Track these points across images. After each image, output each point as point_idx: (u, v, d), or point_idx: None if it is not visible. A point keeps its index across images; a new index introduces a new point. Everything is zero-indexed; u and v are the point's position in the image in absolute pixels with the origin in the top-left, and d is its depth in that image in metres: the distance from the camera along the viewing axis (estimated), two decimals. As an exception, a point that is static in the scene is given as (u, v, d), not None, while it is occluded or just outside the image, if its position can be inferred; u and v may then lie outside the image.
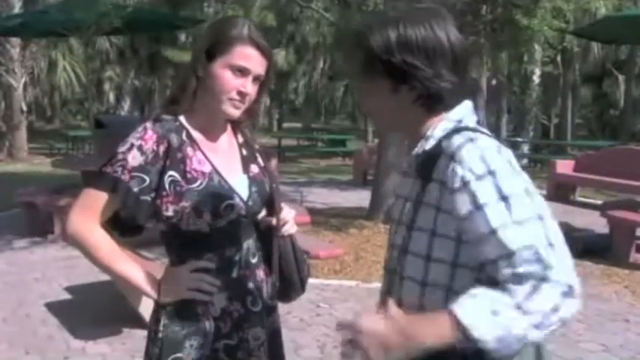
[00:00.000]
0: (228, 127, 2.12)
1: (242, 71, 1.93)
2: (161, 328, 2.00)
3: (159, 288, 1.98)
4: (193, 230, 1.95)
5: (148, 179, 1.89)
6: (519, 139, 22.55)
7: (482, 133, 1.57)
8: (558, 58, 22.90)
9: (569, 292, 1.37)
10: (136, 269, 1.99)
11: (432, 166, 1.55)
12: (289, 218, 2.14)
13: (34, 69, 23.58)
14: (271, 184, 2.12)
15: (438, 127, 1.60)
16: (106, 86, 33.35)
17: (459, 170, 1.48)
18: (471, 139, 1.52)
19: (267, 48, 1.97)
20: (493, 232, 1.42)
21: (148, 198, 1.91)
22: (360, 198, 10.40)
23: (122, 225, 1.99)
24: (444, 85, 1.56)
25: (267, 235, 2.11)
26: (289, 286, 2.21)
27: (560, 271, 1.38)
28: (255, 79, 1.96)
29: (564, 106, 25.07)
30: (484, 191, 1.44)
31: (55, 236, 7.80)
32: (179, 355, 1.98)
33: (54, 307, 5.61)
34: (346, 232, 8.37)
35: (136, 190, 1.88)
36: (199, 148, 1.98)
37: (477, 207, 1.45)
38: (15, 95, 19.28)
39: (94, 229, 1.93)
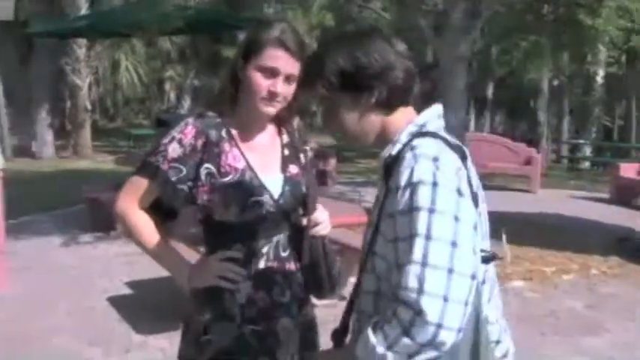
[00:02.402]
0: (271, 127, 2.21)
1: (272, 72, 2.02)
2: (193, 312, 2.15)
3: (189, 273, 2.12)
4: (223, 221, 2.08)
5: (185, 170, 2.06)
6: (581, 141, 22.11)
7: (437, 138, 1.58)
8: (623, 59, 22.33)
9: (434, 337, 1.38)
10: (171, 252, 2.17)
11: (393, 170, 1.58)
12: (322, 220, 2.19)
13: (99, 69, 24.13)
14: (307, 184, 2.19)
15: (405, 131, 1.63)
16: (167, 86, 33.95)
17: (397, 177, 1.52)
18: (412, 147, 1.54)
19: (297, 49, 2.04)
20: (398, 240, 1.48)
21: (185, 187, 2.07)
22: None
23: (163, 211, 2.16)
24: (395, 80, 1.61)
25: (300, 233, 2.17)
26: (319, 286, 2.26)
27: (435, 314, 1.38)
28: (288, 78, 2.04)
29: (628, 108, 24.43)
30: (401, 201, 1.48)
31: (118, 232, 7.97)
32: (207, 337, 2.10)
33: (116, 302, 5.75)
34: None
35: (173, 179, 2.05)
36: (236, 145, 2.11)
37: (391, 215, 1.50)
38: (80, 94, 19.77)
39: (135, 211, 2.13)
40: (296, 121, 2.30)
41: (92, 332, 5.07)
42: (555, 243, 7.79)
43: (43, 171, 15.84)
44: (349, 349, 1.61)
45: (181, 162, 2.06)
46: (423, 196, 1.44)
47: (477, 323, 1.52)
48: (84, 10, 18.12)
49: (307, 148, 2.28)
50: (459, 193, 1.47)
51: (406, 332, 1.40)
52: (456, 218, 1.44)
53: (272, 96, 2.03)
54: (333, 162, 11.82)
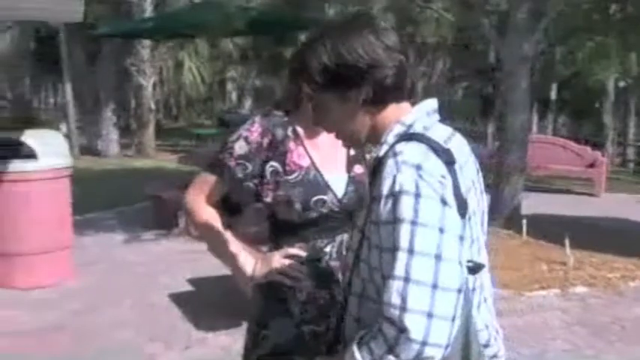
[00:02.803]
0: None
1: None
2: (253, 306, 2.19)
3: (252, 269, 2.15)
4: (286, 219, 2.11)
5: (250, 167, 2.10)
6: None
7: (423, 142, 1.49)
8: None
9: (420, 354, 1.33)
10: (236, 246, 2.20)
11: (376, 175, 1.51)
12: None
13: (162, 69, 24.55)
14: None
15: (393, 132, 1.55)
16: (229, 86, 34.33)
17: (379, 184, 1.45)
18: (395, 153, 1.46)
19: None
20: (381, 250, 1.43)
21: (251, 184, 2.12)
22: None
23: (229, 207, 2.24)
24: (382, 77, 1.53)
25: None
26: None
27: (419, 332, 1.32)
28: None
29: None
30: (384, 211, 1.41)
31: (180, 230, 8.11)
32: (266, 332, 2.14)
33: (177, 298, 5.85)
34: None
35: (239, 175, 2.11)
36: (302, 144, 2.13)
37: (375, 223, 1.44)
38: (145, 94, 20.17)
39: (202, 205, 2.20)
40: None
41: (154, 327, 5.17)
42: (620, 248, 7.59)
43: (107, 169, 16.23)
44: None
45: (247, 159, 2.11)
46: (406, 208, 1.37)
47: (467, 332, 1.47)
48: (149, 12, 18.49)
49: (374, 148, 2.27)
50: (444, 202, 1.39)
51: (391, 350, 1.35)
52: (441, 230, 1.37)
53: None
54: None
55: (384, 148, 1.53)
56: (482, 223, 1.66)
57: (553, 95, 26.38)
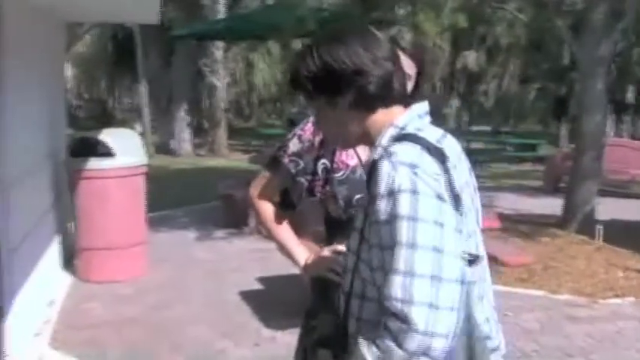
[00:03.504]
0: None
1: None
2: (307, 299, 2.37)
3: (305, 263, 2.28)
4: (336, 216, 2.24)
5: (302, 163, 2.25)
6: None
7: (416, 142, 1.53)
8: None
9: (425, 345, 1.38)
10: (293, 240, 2.33)
11: (372, 176, 1.53)
12: None
13: (235, 70, 24.91)
14: None
15: (386, 134, 1.60)
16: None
17: (376, 184, 1.48)
18: (390, 154, 1.49)
19: (408, 50, 2.18)
20: (382, 248, 1.46)
21: (304, 180, 2.25)
22: (551, 205, 10.02)
23: (289, 203, 2.36)
24: (366, 85, 1.58)
25: None
26: None
27: (422, 323, 1.37)
28: None
29: None
30: (383, 210, 1.45)
31: (251, 229, 8.22)
32: (314, 323, 2.26)
33: (247, 296, 5.93)
34: (535, 240, 8.11)
35: (292, 171, 2.26)
36: None
37: (374, 222, 1.48)
38: (217, 95, 20.49)
39: (261, 201, 2.37)
40: None
41: (224, 324, 5.25)
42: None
43: (180, 168, 16.56)
44: None
45: (299, 156, 2.26)
46: (404, 205, 1.42)
47: (469, 324, 1.50)
48: (222, 14, 18.77)
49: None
50: (440, 198, 1.45)
51: (396, 342, 1.39)
52: (439, 224, 1.43)
53: None
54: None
55: (379, 150, 1.58)
56: (477, 221, 1.69)
57: (630, 98, 25.60)
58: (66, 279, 6.35)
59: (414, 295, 1.38)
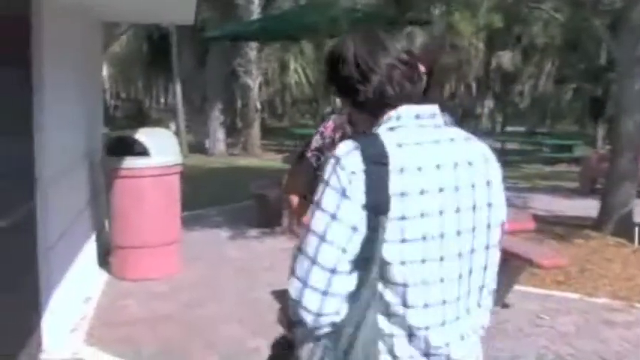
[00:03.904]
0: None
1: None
2: None
3: None
4: None
5: (322, 158, 2.47)
6: None
7: (357, 140, 1.60)
8: None
9: (296, 313, 1.57)
10: None
11: None
12: None
13: (268, 70, 25.00)
14: None
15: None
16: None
17: None
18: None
19: (420, 51, 2.18)
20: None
21: None
22: (587, 207, 9.89)
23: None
24: (366, 91, 1.66)
25: None
26: None
27: (295, 294, 1.56)
28: None
29: None
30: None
31: (283, 228, 8.24)
32: None
33: (280, 295, 5.94)
34: (571, 242, 8.02)
35: (314, 164, 2.48)
36: None
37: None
38: (251, 95, 20.59)
39: (290, 192, 2.63)
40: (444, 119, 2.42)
41: (257, 323, 5.27)
42: None
43: (214, 167, 16.67)
44: None
45: (320, 151, 2.50)
46: (318, 193, 1.58)
47: (358, 326, 1.55)
48: (256, 15, 18.85)
49: None
50: (343, 194, 1.54)
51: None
52: (333, 217, 1.54)
53: None
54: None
55: None
56: (459, 228, 1.63)
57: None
58: (102, 276, 6.44)
59: (295, 269, 1.57)
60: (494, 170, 1.72)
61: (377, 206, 1.53)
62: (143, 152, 6.27)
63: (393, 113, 1.65)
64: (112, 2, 6.08)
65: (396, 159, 1.56)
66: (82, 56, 6.27)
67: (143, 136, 6.42)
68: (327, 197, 1.56)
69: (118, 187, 6.30)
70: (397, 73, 1.67)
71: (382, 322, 1.58)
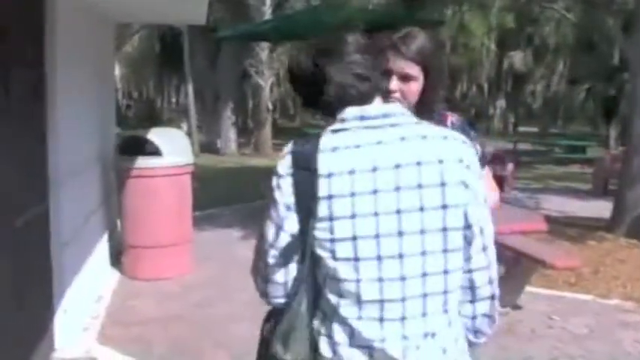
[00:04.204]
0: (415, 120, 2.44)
1: (387, 73, 2.21)
2: None
3: None
4: None
5: None
6: None
7: (293, 143, 1.75)
8: None
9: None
10: None
11: None
12: None
13: (280, 70, 25.03)
14: None
15: None
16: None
17: None
18: None
19: (412, 53, 2.31)
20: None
21: None
22: (600, 208, 9.85)
23: None
24: (326, 92, 1.72)
25: None
26: None
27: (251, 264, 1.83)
28: (403, 78, 2.32)
29: None
30: None
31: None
32: None
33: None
34: (584, 244, 7.99)
35: None
36: None
37: None
38: (262, 95, 20.64)
39: None
40: (451, 120, 2.48)
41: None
42: None
43: (226, 167, 16.71)
44: None
45: None
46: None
47: (299, 309, 1.68)
48: (267, 15, 18.88)
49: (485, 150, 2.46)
50: (274, 197, 1.70)
51: None
52: (268, 216, 1.71)
53: (389, 93, 2.25)
54: (510, 167, 11.53)
55: None
56: (401, 228, 1.64)
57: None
58: (114, 275, 6.47)
59: (254, 254, 1.80)
60: (453, 171, 1.65)
61: (303, 208, 1.64)
62: (155, 152, 6.29)
63: (339, 116, 1.70)
64: (126, 3, 6.11)
65: (325, 163, 1.62)
66: (95, 56, 6.30)
67: (155, 136, 6.44)
68: (270, 197, 1.71)
69: (130, 186, 6.32)
70: (347, 77, 1.69)
71: (324, 307, 1.67)
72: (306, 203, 1.63)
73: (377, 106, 1.71)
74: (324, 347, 1.68)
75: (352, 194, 1.60)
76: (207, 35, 18.98)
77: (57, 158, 4.47)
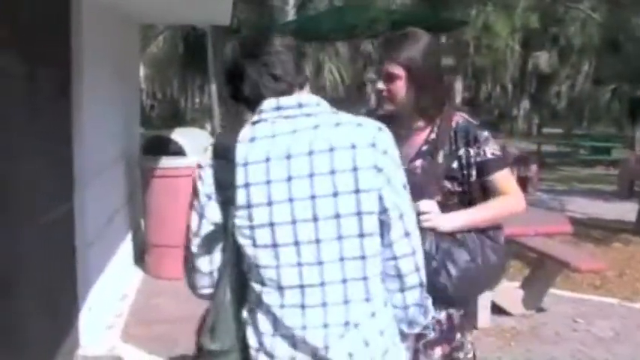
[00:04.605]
0: (422, 123, 2.47)
1: (377, 74, 2.43)
2: None
3: None
4: None
5: None
6: None
7: (218, 140, 1.86)
8: None
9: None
10: None
11: None
12: (420, 209, 2.27)
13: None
14: (420, 178, 2.36)
15: None
16: (368, 88, 34.50)
17: None
18: None
19: (388, 54, 2.41)
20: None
21: None
22: (625, 210, 9.76)
23: None
24: (241, 85, 1.80)
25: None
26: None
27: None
28: (387, 77, 2.40)
29: None
30: None
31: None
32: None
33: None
34: (609, 246, 7.92)
35: None
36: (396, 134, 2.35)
37: None
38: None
39: None
40: (456, 120, 2.45)
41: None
42: None
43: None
44: None
45: None
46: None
47: (223, 297, 1.74)
48: (291, 16, 18.91)
49: (470, 149, 2.40)
50: (197, 187, 1.77)
51: None
52: (191, 206, 1.78)
53: (378, 93, 2.46)
54: (534, 168, 11.45)
55: None
56: (315, 215, 1.68)
57: None
58: (137, 274, 6.51)
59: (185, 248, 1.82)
60: (365, 155, 1.70)
61: (223, 197, 1.71)
62: (179, 152, 6.32)
63: (258, 108, 1.75)
64: (151, 4, 6.15)
65: (242, 153, 1.68)
66: (120, 57, 6.35)
67: (179, 135, 6.47)
68: (193, 190, 1.77)
69: (154, 186, 6.36)
70: (263, 76, 1.75)
71: (250, 297, 1.73)
72: (226, 192, 1.70)
73: (293, 96, 1.75)
74: (250, 337, 1.73)
75: (268, 182, 1.66)
76: (231, 36, 19.04)
77: (82, 158, 4.51)
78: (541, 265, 5.71)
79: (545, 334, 5.10)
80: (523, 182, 10.95)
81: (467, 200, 2.43)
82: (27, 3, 3.64)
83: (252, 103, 1.77)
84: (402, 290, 1.79)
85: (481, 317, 5.19)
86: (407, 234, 1.75)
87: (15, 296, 3.32)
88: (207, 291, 1.80)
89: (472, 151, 2.39)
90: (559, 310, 5.65)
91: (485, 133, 2.45)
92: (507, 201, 2.44)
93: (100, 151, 5.11)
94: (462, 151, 2.40)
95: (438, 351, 2.43)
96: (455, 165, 2.40)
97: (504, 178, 2.45)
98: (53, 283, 4.01)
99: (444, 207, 2.38)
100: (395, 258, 1.75)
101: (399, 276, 1.77)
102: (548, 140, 24.75)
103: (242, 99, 1.81)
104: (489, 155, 2.40)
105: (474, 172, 2.41)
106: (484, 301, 5.23)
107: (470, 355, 2.53)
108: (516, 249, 6.09)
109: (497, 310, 5.41)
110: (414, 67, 2.37)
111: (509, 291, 5.61)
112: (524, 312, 5.53)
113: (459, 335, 2.46)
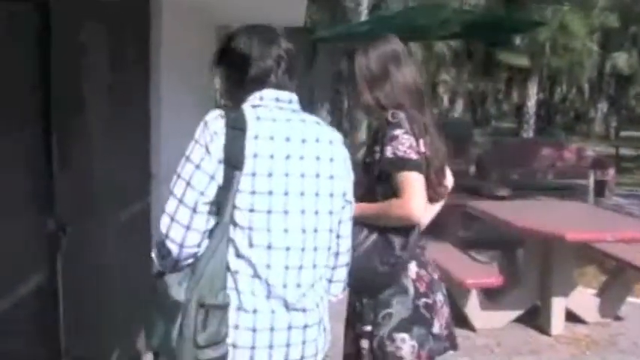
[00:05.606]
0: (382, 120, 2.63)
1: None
2: (366, 293, 2.57)
3: None
4: None
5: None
6: None
7: (223, 109, 2.00)
8: None
9: (162, 242, 1.92)
10: None
11: None
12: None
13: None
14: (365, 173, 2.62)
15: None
16: (440, 89, 34.23)
17: None
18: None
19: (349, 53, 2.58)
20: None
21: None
22: None
23: None
24: (250, 70, 2.06)
25: None
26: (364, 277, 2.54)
27: (164, 228, 1.91)
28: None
29: None
30: None
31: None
32: (389, 310, 2.50)
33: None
34: (690, 254, 7.62)
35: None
36: None
37: None
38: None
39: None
40: (387, 116, 2.56)
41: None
42: None
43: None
44: None
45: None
46: (189, 148, 1.96)
47: (212, 255, 1.88)
48: (364, 17, 18.90)
49: (377, 146, 2.57)
50: (207, 150, 1.91)
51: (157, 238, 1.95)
52: (197, 167, 1.91)
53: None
54: (611, 172, 11.13)
55: None
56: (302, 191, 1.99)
57: None
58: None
59: (166, 207, 1.93)
60: (338, 150, 2.09)
61: (233, 162, 1.89)
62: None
63: (258, 94, 2.03)
64: (226, 4, 6.24)
65: (252, 128, 1.93)
66: (196, 57, 6.46)
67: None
68: (195, 151, 1.93)
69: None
70: (278, 63, 2.07)
71: (231, 260, 1.89)
72: (233, 158, 1.89)
73: (287, 93, 2.07)
74: (232, 296, 1.89)
75: (271, 156, 1.93)
76: (304, 37, 19.18)
77: (159, 155, 4.61)
78: (619, 273, 5.56)
79: (622, 344, 4.96)
80: (601, 186, 10.65)
81: (380, 193, 2.56)
82: (113, 5, 3.74)
83: (259, 88, 2.04)
84: (334, 268, 2.14)
85: (555, 324, 5.09)
86: (350, 218, 2.15)
87: (101, 292, 3.42)
88: (194, 250, 1.91)
89: (377, 148, 2.55)
90: (638, 319, 5.48)
91: (395, 132, 2.51)
92: (392, 203, 2.49)
93: (176, 149, 5.20)
94: (376, 147, 2.57)
95: (350, 333, 2.65)
96: (368, 159, 2.62)
97: (401, 180, 2.48)
98: (131, 278, 4.11)
99: (358, 198, 2.38)
100: (339, 237, 2.11)
101: (337, 254, 2.13)
102: (626, 143, 23.99)
103: (255, 84, 2.04)
104: (388, 154, 2.49)
105: (376, 169, 2.56)
106: (558, 307, 5.13)
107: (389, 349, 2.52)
108: (592, 254, 5.94)
109: (571, 317, 5.29)
110: (384, 72, 2.70)
111: (584, 298, 5.48)
112: (600, 320, 5.39)
113: (359, 324, 2.57)
